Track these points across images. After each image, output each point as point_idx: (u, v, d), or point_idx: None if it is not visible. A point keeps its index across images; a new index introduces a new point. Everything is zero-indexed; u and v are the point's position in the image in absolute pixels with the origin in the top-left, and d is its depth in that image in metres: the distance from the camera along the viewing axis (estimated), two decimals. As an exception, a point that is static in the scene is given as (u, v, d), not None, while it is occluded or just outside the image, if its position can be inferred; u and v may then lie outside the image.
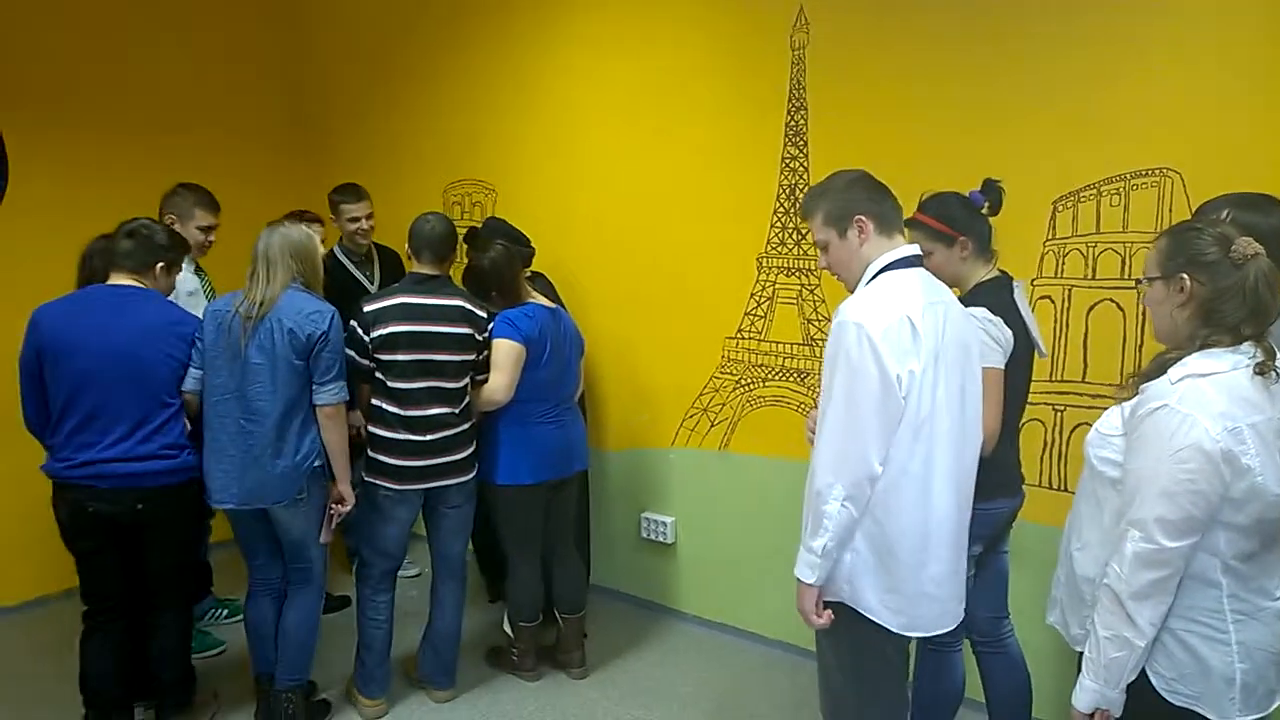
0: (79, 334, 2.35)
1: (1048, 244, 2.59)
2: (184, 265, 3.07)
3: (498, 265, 2.75)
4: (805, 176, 2.98)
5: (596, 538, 3.58)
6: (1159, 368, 1.48)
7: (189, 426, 2.49)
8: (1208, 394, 1.39)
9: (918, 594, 1.78)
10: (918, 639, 2.18)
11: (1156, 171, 2.42)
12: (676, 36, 3.23)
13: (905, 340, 1.69)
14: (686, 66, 3.21)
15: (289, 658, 2.60)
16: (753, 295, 3.17)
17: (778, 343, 3.13)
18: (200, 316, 2.52)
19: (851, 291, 1.84)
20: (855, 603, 1.79)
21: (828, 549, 1.72)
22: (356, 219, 3.46)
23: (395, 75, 4.08)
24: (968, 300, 2.02)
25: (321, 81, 4.38)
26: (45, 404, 2.42)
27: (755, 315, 3.18)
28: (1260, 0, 2.25)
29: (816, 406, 1.83)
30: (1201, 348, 1.45)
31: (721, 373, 3.29)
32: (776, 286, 3.12)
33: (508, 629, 3.04)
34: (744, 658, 3.20)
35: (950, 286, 1.95)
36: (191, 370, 2.47)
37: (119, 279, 2.46)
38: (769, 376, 3.17)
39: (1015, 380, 2.09)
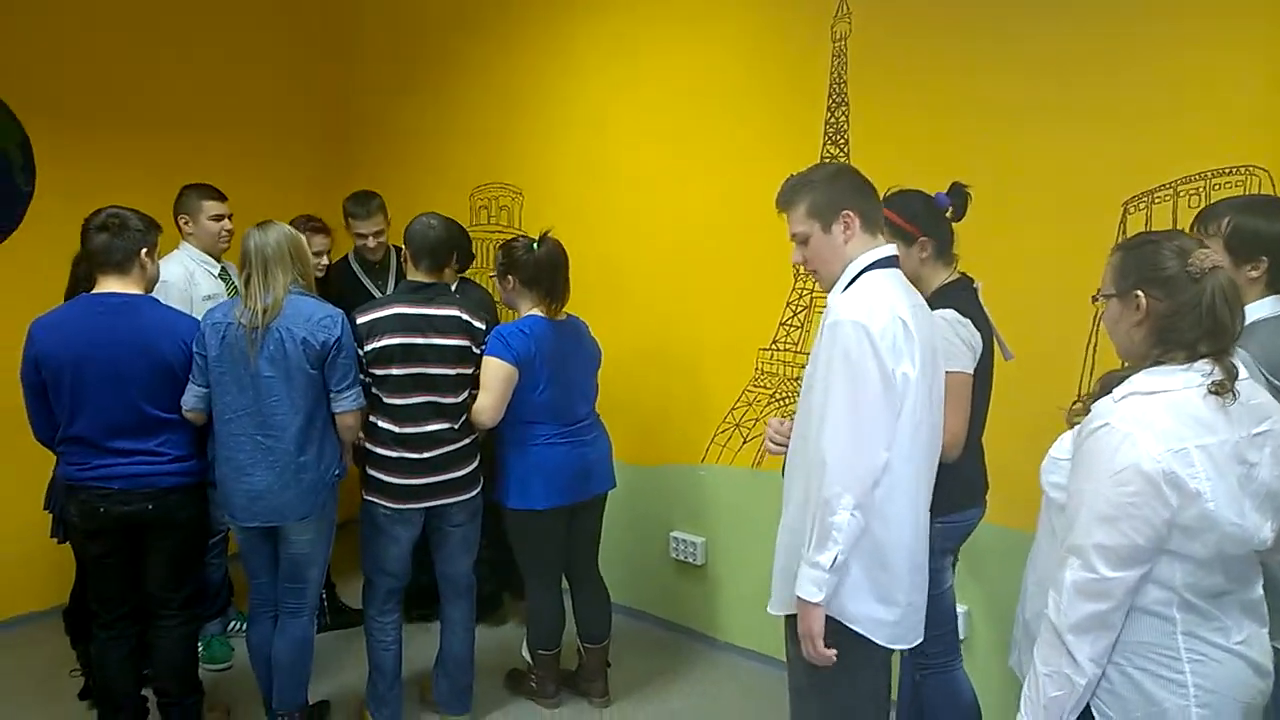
0: (74, 348, 2.27)
1: (1117, 249, 2.37)
2: (207, 268, 3.03)
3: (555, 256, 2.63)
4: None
5: (621, 557, 3.43)
6: (1105, 387, 1.39)
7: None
8: (1152, 412, 1.29)
9: (906, 604, 1.71)
10: (917, 669, 2.15)
11: (1241, 169, 2.19)
12: (710, 30, 3.07)
13: (900, 341, 1.63)
14: (720, 62, 3.05)
15: (282, 684, 2.53)
16: (789, 304, 2.99)
17: (815, 354, 2.95)
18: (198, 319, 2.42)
19: (828, 290, 1.76)
20: (841, 616, 1.69)
21: (839, 562, 1.62)
22: (363, 235, 3.37)
23: (423, 78, 4.02)
24: (934, 302, 1.93)
25: (349, 84, 4.36)
26: (50, 415, 2.37)
27: (791, 325, 3.00)
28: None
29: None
30: (1154, 365, 1.35)
31: (755, 385, 3.11)
32: (814, 295, 2.93)
33: (526, 655, 2.92)
34: (779, 688, 3.01)
35: None
36: (191, 387, 2.37)
37: (107, 283, 2.32)
38: (806, 390, 2.98)
39: (982, 386, 2.01)
